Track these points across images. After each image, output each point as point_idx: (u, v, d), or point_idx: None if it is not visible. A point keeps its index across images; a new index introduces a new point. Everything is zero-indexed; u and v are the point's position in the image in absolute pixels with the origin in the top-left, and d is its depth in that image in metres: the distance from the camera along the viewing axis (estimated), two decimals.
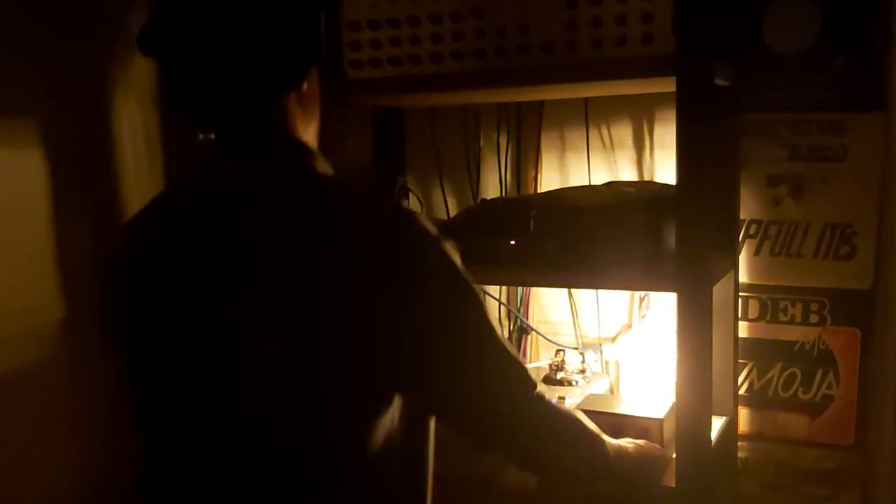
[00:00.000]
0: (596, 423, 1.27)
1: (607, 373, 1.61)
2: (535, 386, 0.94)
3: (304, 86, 0.93)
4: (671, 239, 1.19)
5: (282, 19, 0.88)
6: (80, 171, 1.42)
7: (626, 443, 1.14)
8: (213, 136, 0.94)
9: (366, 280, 0.81)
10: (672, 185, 1.18)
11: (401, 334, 0.83)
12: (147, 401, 0.95)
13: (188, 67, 0.87)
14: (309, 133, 0.96)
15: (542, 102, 1.62)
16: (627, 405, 1.31)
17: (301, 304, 0.81)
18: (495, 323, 0.91)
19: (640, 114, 1.56)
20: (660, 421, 1.24)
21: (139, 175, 1.51)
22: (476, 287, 0.88)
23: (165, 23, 0.87)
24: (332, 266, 0.81)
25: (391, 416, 0.87)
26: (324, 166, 0.93)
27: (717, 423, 1.37)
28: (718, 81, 1.26)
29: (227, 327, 0.84)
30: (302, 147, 0.93)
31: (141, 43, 0.87)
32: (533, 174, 1.65)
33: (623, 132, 1.58)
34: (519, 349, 1.68)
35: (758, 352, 1.51)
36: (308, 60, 0.92)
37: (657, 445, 1.20)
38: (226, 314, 0.84)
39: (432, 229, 0.86)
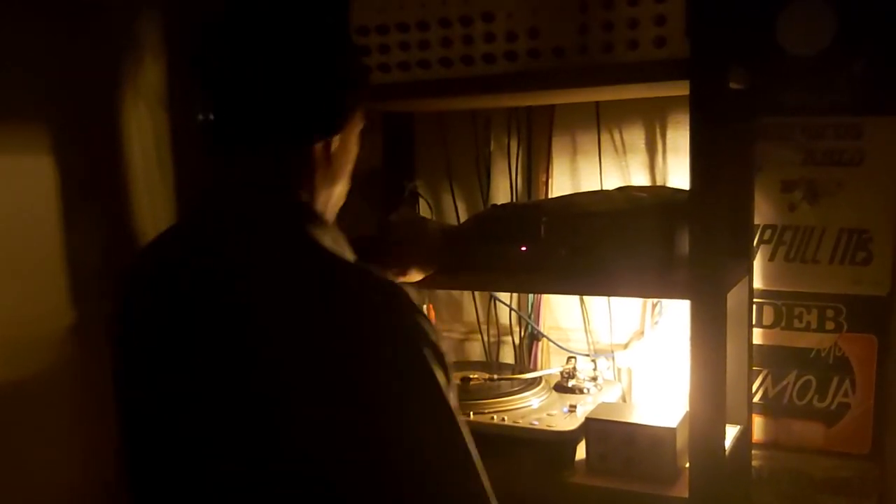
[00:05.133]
0: (608, 433, 1.27)
1: (619, 380, 1.59)
2: None
3: (334, 145, 0.90)
4: (684, 245, 1.17)
5: (320, 73, 0.86)
6: (90, 176, 1.41)
7: None
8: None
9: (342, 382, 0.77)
10: (685, 190, 1.16)
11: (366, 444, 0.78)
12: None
13: (220, 87, 0.86)
14: (330, 197, 0.92)
15: (552, 106, 1.61)
16: (640, 414, 1.30)
17: (283, 388, 0.79)
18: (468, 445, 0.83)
19: (653, 117, 1.55)
20: (673, 430, 1.23)
21: (149, 180, 1.51)
22: (452, 400, 0.82)
23: (214, 32, 0.87)
24: (311, 358, 0.78)
25: None
26: (329, 238, 0.86)
27: (731, 432, 1.35)
28: (732, 85, 1.25)
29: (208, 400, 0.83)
30: (305, 213, 0.87)
31: (190, 51, 0.88)
32: (544, 179, 1.64)
33: (635, 136, 1.57)
34: (530, 356, 1.67)
35: (772, 359, 1.49)
36: (337, 119, 0.89)
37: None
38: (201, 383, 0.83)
39: (426, 328, 0.81)
